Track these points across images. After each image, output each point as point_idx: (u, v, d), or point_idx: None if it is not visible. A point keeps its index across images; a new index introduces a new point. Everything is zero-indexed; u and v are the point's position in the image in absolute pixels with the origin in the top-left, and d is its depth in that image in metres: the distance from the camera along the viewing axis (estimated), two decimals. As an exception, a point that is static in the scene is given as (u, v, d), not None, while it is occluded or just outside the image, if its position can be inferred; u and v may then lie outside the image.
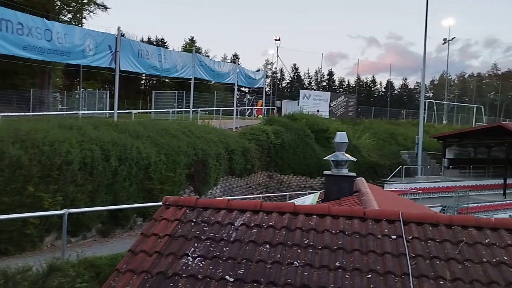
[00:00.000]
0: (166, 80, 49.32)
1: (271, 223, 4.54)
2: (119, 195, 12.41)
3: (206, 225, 4.59)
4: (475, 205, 26.47)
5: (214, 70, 24.53)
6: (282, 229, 4.44)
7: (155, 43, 54.00)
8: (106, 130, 13.72)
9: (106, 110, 23.59)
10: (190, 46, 50.92)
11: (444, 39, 51.76)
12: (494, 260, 3.97)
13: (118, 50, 16.47)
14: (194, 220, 4.68)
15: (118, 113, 18.16)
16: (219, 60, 42.00)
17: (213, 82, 42.37)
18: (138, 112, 24.69)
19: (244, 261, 3.99)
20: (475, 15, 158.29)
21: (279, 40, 39.10)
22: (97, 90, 30.32)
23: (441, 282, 3.70)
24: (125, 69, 17.54)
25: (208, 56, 53.88)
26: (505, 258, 4.00)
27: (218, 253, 4.09)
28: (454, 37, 56.76)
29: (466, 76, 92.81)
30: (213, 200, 5.15)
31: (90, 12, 32.91)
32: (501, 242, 4.25)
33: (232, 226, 4.52)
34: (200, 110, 26.83)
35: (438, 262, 3.95)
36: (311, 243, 4.21)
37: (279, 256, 4.05)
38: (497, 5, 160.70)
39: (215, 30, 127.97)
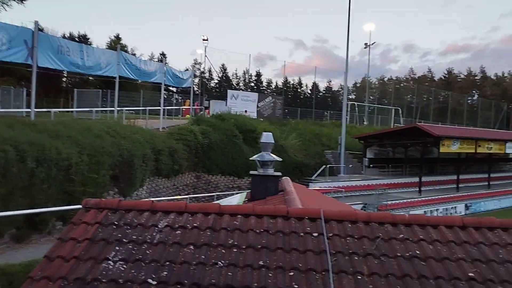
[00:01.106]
0: (90, 78, 47.38)
1: (196, 224, 4.50)
2: (36, 198, 11.73)
3: (128, 227, 4.46)
4: (393, 202, 27.94)
5: (140, 69, 23.93)
6: (207, 230, 4.43)
7: (77, 39, 51.58)
8: (22, 129, 12.92)
9: (23, 108, 22.17)
10: (116, 44, 49.33)
11: (366, 44, 54.19)
12: (408, 254, 4.21)
13: (35, 45, 15.55)
14: (116, 222, 4.52)
15: (36, 112, 17.16)
16: (146, 59, 41.08)
17: (140, 81, 41.31)
18: (59, 111, 23.47)
19: (167, 263, 3.92)
20: (395, 21, 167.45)
21: (207, 40, 38.96)
22: (12, 87, 28.42)
23: (359, 277, 3.86)
24: (44, 66, 16.61)
25: (134, 55, 52.43)
26: (417, 252, 4.26)
27: (140, 256, 3.99)
28: (374, 42, 59.56)
29: (385, 79, 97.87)
30: (137, 201, 5.03)
31: (4, 3, 30.76)
32: (414, 237, 4.51)
33: (156, 228, 4.43)
34: (126, 110, 26.06)
35: (356, 258, 4.12)
36: (236, 243, 4.24)
37: (203, 257, 4.03)
38: (415, 12, 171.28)
39: (142, 28, 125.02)
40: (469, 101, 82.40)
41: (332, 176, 31.69)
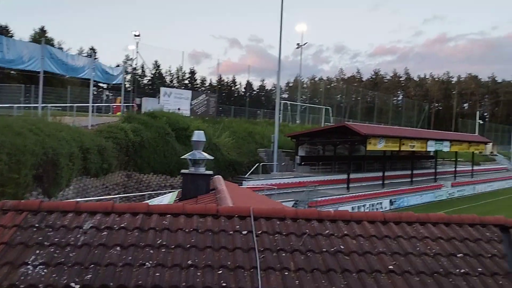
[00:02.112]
0: (12, 72, 44.61)
1: (123, 225, 4.40)
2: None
3: (50, 230, 4.27)
4: (323, 198, 28.79)
5: (67, 63, 22.94)
6: (135, 230, 4.34)
7: (-3, 30, 48.40)
8: None
9: None
10: (40, 37, 46.84)
11: (298, 44, 55.34)
12: (332, 249, 4.37)
13: None
14: (37, 225, 4.31)
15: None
16: (74, 54, 39.39)
17: (67, 76, 39.50)
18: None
19: (92, 265, 3.80)
20: (328, 23, 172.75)
21: (139, 35, 37.90)
22: None
23: (286, 273, 3.95)
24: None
25: (61, 49, 50.09)
26: (342, 247, 4.43)
27: (63, 259, 3.83)
28: (306, 42, 61.11)
29: (317, 79, 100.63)
30: (60, 202, 4.82)
31: None
32: (338, 232, 4.69)
33: (80, 230, 4.27)
34: (52, 106, 24.83)
35: (284, 254, 4.21)
36: (164, 243, 4.19)
37: (130, 258, 3.94)
38: (346, 15, 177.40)
39: (70, 21, 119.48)
40: (394, 101, 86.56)
41: (265, 174, 32.10)
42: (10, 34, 49.81)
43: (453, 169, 46.95)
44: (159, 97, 39.75)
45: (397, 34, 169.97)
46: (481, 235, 4.83)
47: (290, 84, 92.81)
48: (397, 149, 35.73)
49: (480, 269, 4.27)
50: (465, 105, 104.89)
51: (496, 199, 41.07)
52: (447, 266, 4.25)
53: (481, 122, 76.20)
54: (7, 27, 53.84)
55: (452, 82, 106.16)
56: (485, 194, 44.99)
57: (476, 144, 48.88)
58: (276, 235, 4.51)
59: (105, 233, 4.27)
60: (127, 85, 50.30)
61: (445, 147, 41.79)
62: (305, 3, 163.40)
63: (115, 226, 4.38)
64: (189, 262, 3.95)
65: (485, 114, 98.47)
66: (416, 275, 4.10)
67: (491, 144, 63.24)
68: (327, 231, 4.65)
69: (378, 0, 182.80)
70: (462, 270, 4.22)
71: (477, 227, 4.96)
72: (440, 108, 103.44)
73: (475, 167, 51.09)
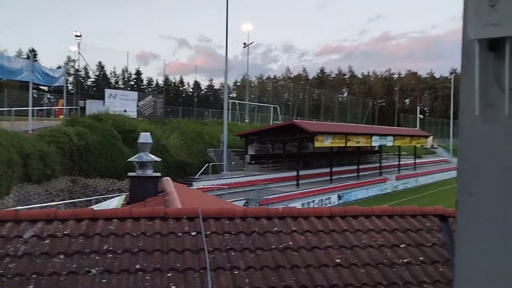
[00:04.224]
0: None
1: (66, 232, 4.26)
2: None
3: (-12, 241, 4.06)
4: (274, 196, 29.04)
5: (3, 66, 21.90)
6: (80, 237, 4.21)
7: None
8: None
9: None
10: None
11: (244, 43, 55.49)
12: (281, 246, 4.43)
13: None
14: (-27, 237, 4.10)
15: None
16: (11, 56, 37.60)
17: (4, 79, 37.61)
18: None
19: (34, 276, 3.66)
20: (276, 23, 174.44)
21: (80, 36, 36.73)
22: None
23: (236, 272, 3.97)
24: None
25: (-4, 50, 47.64)
26: (290, 243, 4.50)
27: (2, 271, 3.66)
28: (253, 42, 61.36)
29: (265, 78, 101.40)
30: (-3, 212, 4.60)
31: None
32: (287, 229, 4.76)
33: (20, 239, 4.10)
34: (-13, 111, 23.59)
35: (233, 254, 4.23)
36: (111, 248, 4.09)
37: (75, 265, 3.83)
38: (293, 15, 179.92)
39: (6, 21, 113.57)
40: (339, 99, 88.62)
41: (215, 174, 31.99)
42: None
43: (397, 162, 48.70)
44: (104, 99, 38.68)
45: (343, 33, 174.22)
46: (422, 225, 5.05)
47: (239, 84, 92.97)
48: (344, 145, 36.63)
49: (421, 258, 4.47)
50: (407, 100, 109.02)
51: (437, 190, 42.97)
52: (391, 257, 4.42)
53: (422, 116, 79.55)
54: None
55: (394, 78, 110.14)
56: (428, 185, 46.97)
57: (418, 138, 50.95)
58: (226, 234, 4.52)
59: (47, 241, 4.12)
60: (70, 87, 48.53)
61: (389, 142, 43.27)
62: (254, 4, 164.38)
63: (58, 233, 4.23)
64: (137, 266, 3.89)
65: (425, 109, 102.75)
66: (362, 267, 4.23)
67: (431, 137, 66.12)
68: (276, 228, 4.71)
69: (324, 1, 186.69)
70: (405, 260, 4.40)
71: (418, 218, 5.18)
72: (384, 104, 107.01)
73: (417, 160, 53.29)
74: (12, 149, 16.79)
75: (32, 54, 55.84)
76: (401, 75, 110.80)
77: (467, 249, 1.37)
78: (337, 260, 4.27)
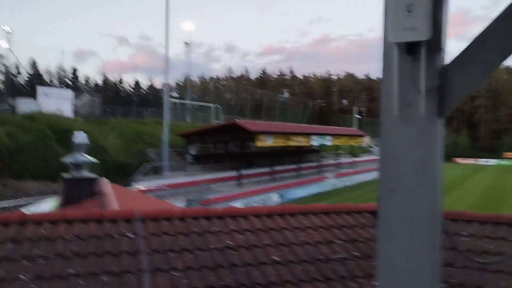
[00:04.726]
0: None
1: (-7, 238, 4.03)
2: None
3: None
4: (215, 196, 29.00)
5: None
6: (7, 242, 4.00)
7: None
8: None
9: None
10: None
11: (186, 43, 55.04)
12: (220, 245, 4.44)
13: None
14: None
15: None
16: None
17: None
18: None
19: (-44, 285, 3.44)
20: (219, 22, 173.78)
21: (11, 32, 34.94)
22: None
23: (174, 273, 3.93)
24: None
25: None
26: (229, 242, 4.51)
27: None
28: (192, 41, 60.77)
29: (207, 78, 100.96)
30: None
31: None
32: (226, 228, 4.77)
33: None
34: None
35: (172, 255, 4.19)
36: (42, 253, 3.92)
37: (3, 272, 3.63)
38: (237, 15, 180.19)
39: None
40: (281, 99, 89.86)
41: (156, 175, 31.47)
42: None
43: (336, 161, 50.13)
44: (36, 97, 36.93)
45: (285, 35, 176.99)
46: (356, 221, 5.24)
47: (180, 83, 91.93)
48: (285, 144, 37.20)
49: (356, 253, 4.64)
50: (345, 101, 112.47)
51: (374, 187, 44.64)
52: (327, 253, 4.55)
53: (359, 117, 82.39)
54: None
55: (333, 80, 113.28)
56: (365, 183, 48.68)
57: (355, 137, 52.76)
58: (164, 235, 4.46)
59: (-29, 248, 3.88)
60: (0, 86, 45.97)
61: (328, 141, 44.48)
62: (197, 3, 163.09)
63: (-17, 239, 4.00)
64: (70, 270, 3.75)
65: (362, 109, 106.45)
66: (299, 264, 4.33)
67: (368, 137, 68.60)
68: (215, 228, 4.71)
69: (268, 2, 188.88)
70: (340, 256, 4.55)
71: (352, 215, 5.37)
72: (323, 104, 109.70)
73: (355, 159, 55.14)
74: None
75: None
76: (340, 77, 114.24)
77: (387, 241, 1.45)
78: (276, 258, 4.34)
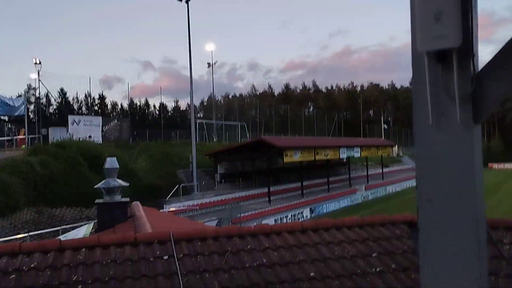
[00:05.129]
0: None
1: (33, 265, 4.12)
2: None
3: (-51, 281, 3.89)
4: (246, 214, 28.94)
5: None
6: (46, 269, 4.08)
7: None
8: None
9: None
10: None
11: (208, 63, 55.74)
12: (255, 264, 4.41)
13: None
14: None
15: None
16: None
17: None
18: None
19: (0, 314, 3.51)
20: (240, 42, 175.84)
21: (39, 63, 36.13)
22: None
23: (210, 293, 3.93)
24: None
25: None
26: (264, 260, 4.48)
27: (-35, 312, 3.51)
28: (216, 62, 61.62)
29: (230, 96, 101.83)
30: (-42, 249, 4.41)
31: None
32: (260, 246, 4.74)
33: (-16, 276, 3.93)
34: None
35: (207, 275, 4.18)
36: (80, 279, 3.98)
37: (43, 300, 3.70)
38: (257, 33, 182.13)
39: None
40: (306, 113, 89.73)
41: (186, 195, 31.67)
42: None
43: (365, 173, 49.47)
44: (67, 126, 37.92)
45: (306, 49, 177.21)
46: (392, 233, 5.13)
47: (205, 103, 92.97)
48: (313, 158, 36.97)
49: (393, 266, 4.53)
50: (371, 112, 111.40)
51: (406, 197, 43.77)
52: (364, 267, 4.46)
53: (386, 127, 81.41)
54: None
55: (357, 91, 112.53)
56: (396, 193, 47.81)
57: (383, 147, 52.01)
58: (198, 256, 4.47)
59: (13, 276, 3.97)
60: (32, 116, 47.36)
61: (356, 153, 43.98)
62: (217, 24, 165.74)
63: (24, 267, 4.09)
64: (108, 295, 3.79)
65: (389, 119, 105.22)
66: (336, 279, 4.26)
67: (396, 146, 67.63)
68: (248, 246, 4.69)
69: (286, 18, 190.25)
70: (378, 269, 4.45)
71: (387, 226, 5.27)
72: (349, 116, 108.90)
73: (385, 169, 54.31)
74: (-28, 182, 16.23)
75: (-10, 84, 54.30)
76: (364, 88, 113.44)
77: (430, 253, 1.42)
78: (311, 274, 4.29)
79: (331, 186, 41.87)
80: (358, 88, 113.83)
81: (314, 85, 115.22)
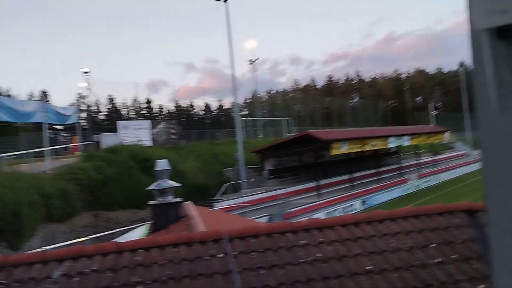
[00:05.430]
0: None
1: (94, 267, 4.26)
2: None
3: (19, 284, 4.08)
4: (296, 209, 28.88)
5: (18, 110, 22.32)
6: (107, 271, 4.21)
7: None
8: None
9: None
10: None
11: (250, 60, 55.94)
12: (310, 258, 4.37)
13: None
14: (5, 282, 4.11)
15: None
16: (24, 99, 38.36)
17: (19, 123, 38.33)
18: None
19: (67, 315, 3.65)
20: (281, 36, 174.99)
21: (88, 72, 37.49)
22: None
23: (267, 290, 3.92)
24: None
25: (9, 96, 48.70)
26: (319, 255, 4.43)
27: (35, 314, 3.67)
28: (258, 58, 61.84)
29: (274, 92, 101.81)
30: (25, 254, 4.63)
31: None
32: (313, 241, 4.70)
33: (50, 279, 4.11)
34: (7, 156, 23.99)
35: (262, 272, 4.18)
36: (140, 280, 4.08)
37: (106, 300, 3.82)
38: (296, 27, 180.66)
39: (16, 67, 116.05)
40: (350, 104, 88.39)
41: (236, 193, 31.95)
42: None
43: (416, 161, 48.15)
44: (117, 131, 39.15)
45: (347, 39, 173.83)
46: (450, 222, 4.95)
47: (249, 101, 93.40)
48: (360, 149, 36.37)
49: (454, 256, 4.37)
50: (418, 98, 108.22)
51: (461, 184, 42.29)
52: (423, 258, 4.32)
53: (435, 112, 78.85)
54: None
55: (403, 78, 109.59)
56: (450, 181, 46.26)
57: (434, 134, 50.37)
58: (253, 253, 4.47)
59: (77, 279, 4.12)
60: (83, 123, 49.24)
61: (406, 142, 42.86)
62: (256, 21, 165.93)
63: (86, 270, 4.23)
64: (168, 295, 3.86)
65: (438, 104, 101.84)
66: (394, 271, 4.15)
67: (448, 132, 65.38)
68: (302, 241, 4.66)
69: (325, 10, 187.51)
70: (437, 260, 4.30)
71: (445, 215, 5.08)
72: (395, 104, 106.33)
73: (437, 157, 52.66)
74: (33, 190, 17.02)
75: (44, 95, 57.06)
76: (410, 74, 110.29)
77: (502, 242, 1.33)
78: (368, 267, 4.20)
79: (381, 177, 41.04)
80: (404, 75, 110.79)
81: (358, 75, 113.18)
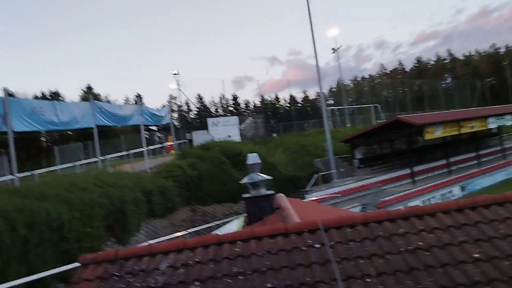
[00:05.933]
0: (70, 133, 47.00)
1: (197, 259, 4.46)
2: (33, 263, 11.48)
3: (130, 276, 4.39)
4: (390, 197, 27.99)
5: (117, 114, 23.89)
6: (209, 263, 4.38)
7: (49, 97, 51.39)
8: (8, 197, 12.71)
9: (7, 175, 21.87)
10: (88, 94, 49.29)
11: (333, 49, 55.00)
12: (410, 247, 4.22)
13: (7, 112, 15.40)
14: (117, 273, 4.45)
15: (20, 176, 16.92)
16: (121, 103, 41.05)
17: (119, 126, 41.13)
18: (43, 172, 23.16)
19: (176, 304, 3.87)
20: (364, 21, 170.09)
21: (177, 74, 39.22)
22: (-8, 156, 28.01)
23: (368, 280, 3.85)
24: (20, 130, 16.46)
25: (108, 101, 52.40)
26: (420, 243, 4.27)
27: (148, 302, 3.93)
28: (341, 46, 60.50)
29: (359, 79, 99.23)
30: (134, 248, 4.96)
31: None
32: (413, 229, 4.53)
33: (158, 271, 4.37)
34: (110, 157, 25.89)
35: (362, 261, 4.11)
36: (240, 270, 4.20)
37: (210, 290, 3.98)
38: (380, 10, 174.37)
39: (112, 73, 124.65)
40: (443, 86, 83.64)
41: (326, 184, 31.70)
42: (62, 98, 52.63)
43: (522, 142, 44.48)
44: (208, 128, 40.63)
45: (437, 17, 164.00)
46: None
47: (333, 89, 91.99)
48: (457, 132, 34.30)
49: None
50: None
51: None
52: (538, 245, 4.00)
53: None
54: (57, 92, 57.01)
55: (501, 53, 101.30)
56: None
57: (541, 111, 46.10)
58: (350, 243, 4.42)
59: (182, 270, 4.34)
60: (176, 123, 51.68)
61: (508, 121, 39.67)
62: (337, 7, 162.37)
63: (190, 261, 4.44)
64: (268, 285, 3.93)
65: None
66: (506, 259, 3.88)
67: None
68: (401, 230, 4.51)
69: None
70: (556, 246, 3.95)
71: (560, 198, 4.65)
72: (494, 82, 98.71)
73: (546, 136, 48.19)
74: (136, 188, 18.18)
75: (139, 99, 60.57)
76: (510, 48, 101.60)
77: None
78: (476, 255, 3.96)
79: (482, 161, 38.43)
80: (502, 50, 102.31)
81: (450, 54, 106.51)
